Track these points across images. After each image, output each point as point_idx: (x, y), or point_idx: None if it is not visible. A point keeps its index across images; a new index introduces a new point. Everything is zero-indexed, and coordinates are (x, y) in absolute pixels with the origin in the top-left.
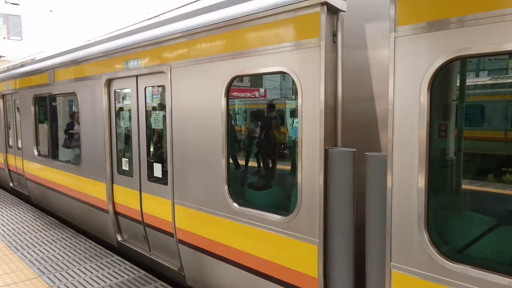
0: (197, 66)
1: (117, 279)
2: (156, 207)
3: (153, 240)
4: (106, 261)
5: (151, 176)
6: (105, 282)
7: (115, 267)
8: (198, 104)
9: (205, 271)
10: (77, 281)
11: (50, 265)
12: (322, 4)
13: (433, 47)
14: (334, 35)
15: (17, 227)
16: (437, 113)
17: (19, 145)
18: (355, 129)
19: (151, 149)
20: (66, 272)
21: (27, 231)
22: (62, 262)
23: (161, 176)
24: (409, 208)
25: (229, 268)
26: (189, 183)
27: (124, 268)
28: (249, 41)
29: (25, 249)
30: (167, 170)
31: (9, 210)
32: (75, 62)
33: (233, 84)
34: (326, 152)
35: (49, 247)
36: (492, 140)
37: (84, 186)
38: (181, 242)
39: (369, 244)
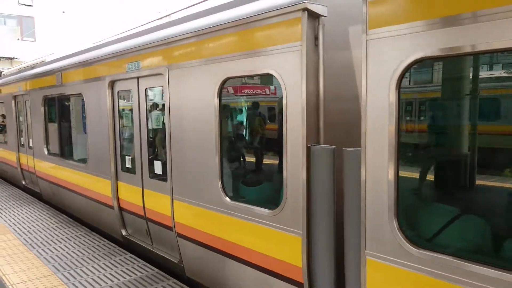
0: (193, 68)
1: (130, 276)
2: (157, 202)
3: (155, 234)
4: (120, 259)
5: (152, 173)
6: (118, 280)
7: (128, 264)
8: (194, 104)
9: (202, 263)
10: (91, 278)
11: (65, 262)
12: (303, 10)
13: (400, 49)
14: (316, 38)
15: (32, 225)
16: (404, 110)
17: (30, 145)
18: (339, 127)
19: (152, 147)
20: (80, 269)
21: (42, 229)
22: (76, 260)
23: (161, 173)
24: (380, 199)
25: (223, 259)
26: (186, 179)
27: (137, 266)
28: (239, 45)
29: (40, 247)
30: (166, 167)
31: (25, 209)
32: (80, 65)
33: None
34: (308, 149)
35: (64, 245)
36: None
37: (90, 183)
38: (179, 235)
39: (347, 234)
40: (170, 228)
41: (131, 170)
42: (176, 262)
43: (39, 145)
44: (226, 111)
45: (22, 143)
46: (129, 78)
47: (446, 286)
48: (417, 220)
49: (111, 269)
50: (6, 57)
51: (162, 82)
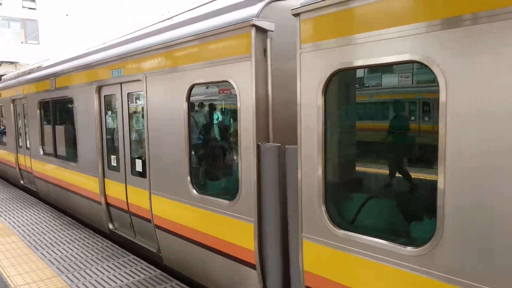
0: (166, 75)
1: (134, 278)
2: (138, 197)
3: (137, 226)
4: (123, 261)
5: (134, 171)
6: (122, 281)
7: (131, 266)
8: (167, 107)
9: (176, 251)
10: (95, 280)
11: (69, 264)
12: (252, 26)
13: (325, 61)
14: (265, 50)
15: (36, 227)
16: (330, 113)
17: (28, 146)
18: (287, 128)
19: (134, 147)
20: (84, 271)
21: (46, 231)
22: (80, 262)
23: (141, 170)
24: (312, 189)
25: (192, 247)
26: (162, 175)
27: (140, 267)
28: (201, 56)
29: (44, 248)
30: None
31: (29, 211)
32: (71, 71)
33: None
34: (258, 147)
35: (67, 246)
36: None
37: (81, 181)
38: (157, 227)
39: (289, 220)
40: (149, 221)
41: (116, 168)
42: (155, 251)
43: (35, 146)
44: (194, 114)
45: (20, 144)
46: (113, 83)
47: (362, 261)
48: (340, 206)
49: (115, 270)
50: (7, 61)
51: (141, 87)
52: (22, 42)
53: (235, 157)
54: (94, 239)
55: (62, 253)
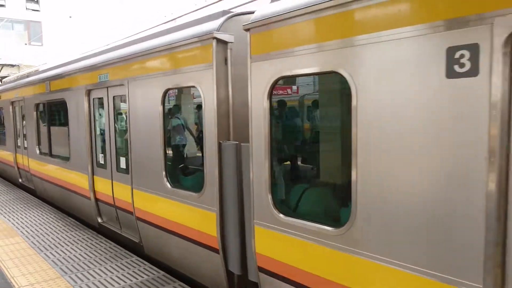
0: (144, 80)
1: (137, 279)
2: (122, 192)
3: (122, 219)
4: (126, 262)
5: (119, 168)
6: (125, 282)
7: (134, 267)
8: (145, 110)
9: (154, 241)
10: (98, 281)
11: (72, 265)
12: (213, 38)
13: (269, 69)
14: (226, 59)
15: (40, 228)
16: (273, 115)
17: (26, 146)
18: (246, 128)
19: (119, 146)
20: (88, 272)
21: (50, 232)
22: (83, 263)
23: (125, 167)
24: (261, 181)
25: (167, 236)
26: (142, 171)
27: (144, 268)
28: (173, 63)
29: (48, 249)
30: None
31: (32, 212)
32: (64, 75)
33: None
34: (219, 145)
35: (71, 247)
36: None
37: (73, 178)
38: (138, 219)
39: (245, 208)
40: (131, 213)
41: (104, 166)
42: (137, 242)
43: (32, 146)
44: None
45: (19, 144)
46: (100, 87)
47: (299, 241)
48: (283, 195)
49: (118, 271)
50: (9, 64)
51: (124, 91)
52: (25, 44)
53: (201, 154)
54: (98, 240)
55: (66, 254)
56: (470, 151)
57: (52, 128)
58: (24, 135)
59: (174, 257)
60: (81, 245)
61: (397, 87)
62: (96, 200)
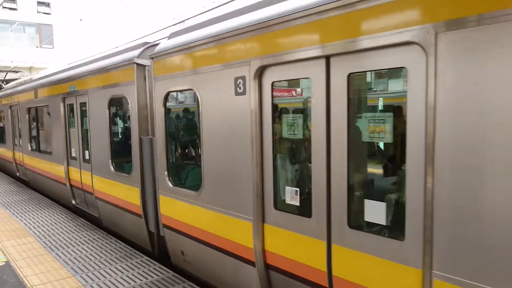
0: (98, 91)
1: (147, 279)
2: (87, 178)
3: (88, 200)
4: (136, 262)
5: (84, 159)
6: (135, 282)
7: (144, 267)
8: (98, 113)
9: (107, 214)
10: (109, 280)
11: (83, 265)
12: (134, 63)
13: (163, 86)
14: (145, 77)
15: (51, 228)
16: (166, 118)
17: (21, 144)
18: None
19: (85, 141)
20: (98, 271)
21: (61, 232)
22: (94, 262)
23: (88, 158)
24: (162, 163)
25: (114, 209)
26: (97, 160)
27: (153, 268)
28: (112, 80)
29: (59, 249)
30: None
31: (44, 212)
32: (47, 85)
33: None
34: (140, 139)
35: (82, 247)
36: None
37: (55, 169)
38: (97, 198)
39: (155, 183)
40: (92, 194)
41: (75, 158)
42: (98, 217)
43: (26, 144)
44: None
45: (16, 143)
46: (71, 95)
47: (180, 203)
48: (175, 172)
49: (128, 271)
50: (13, 71)
51: (86, 99)
52: (37, 47)
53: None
54: (108, 240)
55: (77, 254)
56: (246, 137)
57: (40, 128)
58: (20, 135)
59: (119, 225)
60: (91, 245)
61: (216, 99)
62: (71, 186)
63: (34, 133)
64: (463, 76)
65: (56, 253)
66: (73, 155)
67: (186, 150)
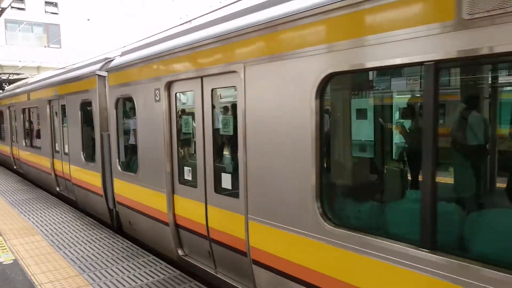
0: (71, 96)
1: (153, 278)
2: (66, 168)
3: (68, 187)
4: (143, 261)
5: (63, 152)
6: (142, 281)
7: (151, 266)
8: (72, 115)
9: (81, 197)
10: (116, 279)
11: (90, 263)
12: (96, 75)
13: (115, 93)
14: (105, 85)
15: (59, 227)
16: (119, 116)
17: (17, 140)
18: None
19: (65, 137)
20: (105, 270)
21: (69, 231)
22: (101, 261)
23: (67, 151)
24: (114, 152)
25: (84, 191)
26: (74, 152)
27: (160, 267)
28: (80, 87)
29: (67, 248)
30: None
31: (52, 211)
32: (36, 88)
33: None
34: (101, 134)
35: (89, 246)
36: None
37: (42, 161)
38: (74, 184)
39: (112, 170)
40: (69, 181)
41: (58, 151)
42: (75, 200)
43: (21, 140)
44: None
45: (13, 139)
46: (54, 99)
47: (126, 184)
48: (124, 159)
49: (135, 270)
50: (15, 73)
51: (65, 102)
52: (44, 46)
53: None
54: (115, 239)
55: (84, 253)
56: (161, 132)
57: (32, 126)
58: (16, 132)
59: (88, 204)
60: (98, 244)
61: (144, 104)
62: (56, 175)
63: (27, 130)
64: (254, 91)
65: (64, 252)
66: (57, 149)
67: (129, 142)
